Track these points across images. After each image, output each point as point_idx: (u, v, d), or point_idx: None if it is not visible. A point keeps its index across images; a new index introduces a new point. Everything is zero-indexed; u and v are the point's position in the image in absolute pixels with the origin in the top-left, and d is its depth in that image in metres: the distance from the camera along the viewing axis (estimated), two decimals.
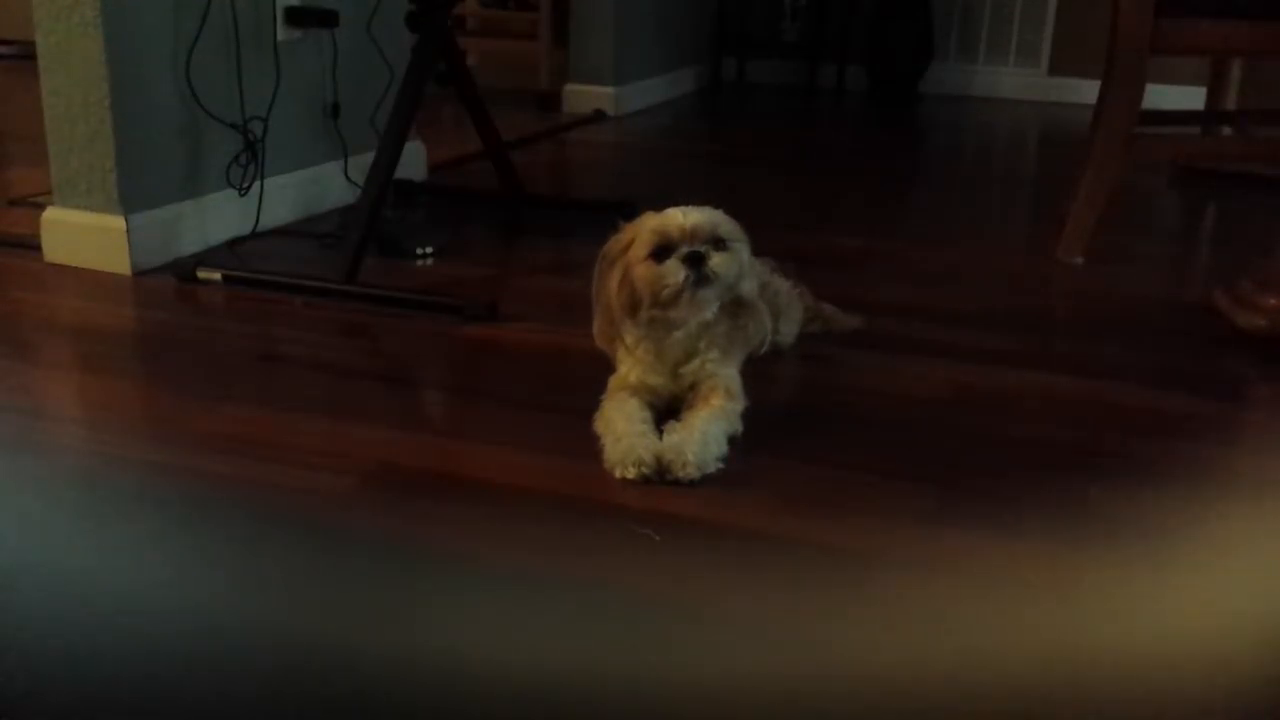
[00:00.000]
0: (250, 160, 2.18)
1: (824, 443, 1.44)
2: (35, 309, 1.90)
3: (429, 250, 2.16)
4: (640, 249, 1.36)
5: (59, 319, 1.87)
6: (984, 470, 1.38)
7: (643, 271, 1.36)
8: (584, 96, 3.88)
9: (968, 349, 1.76)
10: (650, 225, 1.36)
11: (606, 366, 1.47)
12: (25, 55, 3.35)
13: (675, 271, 1.34)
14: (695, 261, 1.34)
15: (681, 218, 1.35)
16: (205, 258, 2.05)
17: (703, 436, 1.32)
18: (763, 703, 0.95)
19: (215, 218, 2.16)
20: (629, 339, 1.42)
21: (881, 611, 1.10)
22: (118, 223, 1.99)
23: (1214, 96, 3.03)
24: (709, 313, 1.40)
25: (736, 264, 1.38)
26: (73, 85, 1.94)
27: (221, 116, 2.12)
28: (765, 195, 2.89)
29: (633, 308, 1.38)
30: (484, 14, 4.65)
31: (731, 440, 1.36)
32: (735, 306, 1.43)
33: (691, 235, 1.35)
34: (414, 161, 2.68)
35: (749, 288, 1.42)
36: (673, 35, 4.31)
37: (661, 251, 1.35)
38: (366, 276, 1.94)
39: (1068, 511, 1.28)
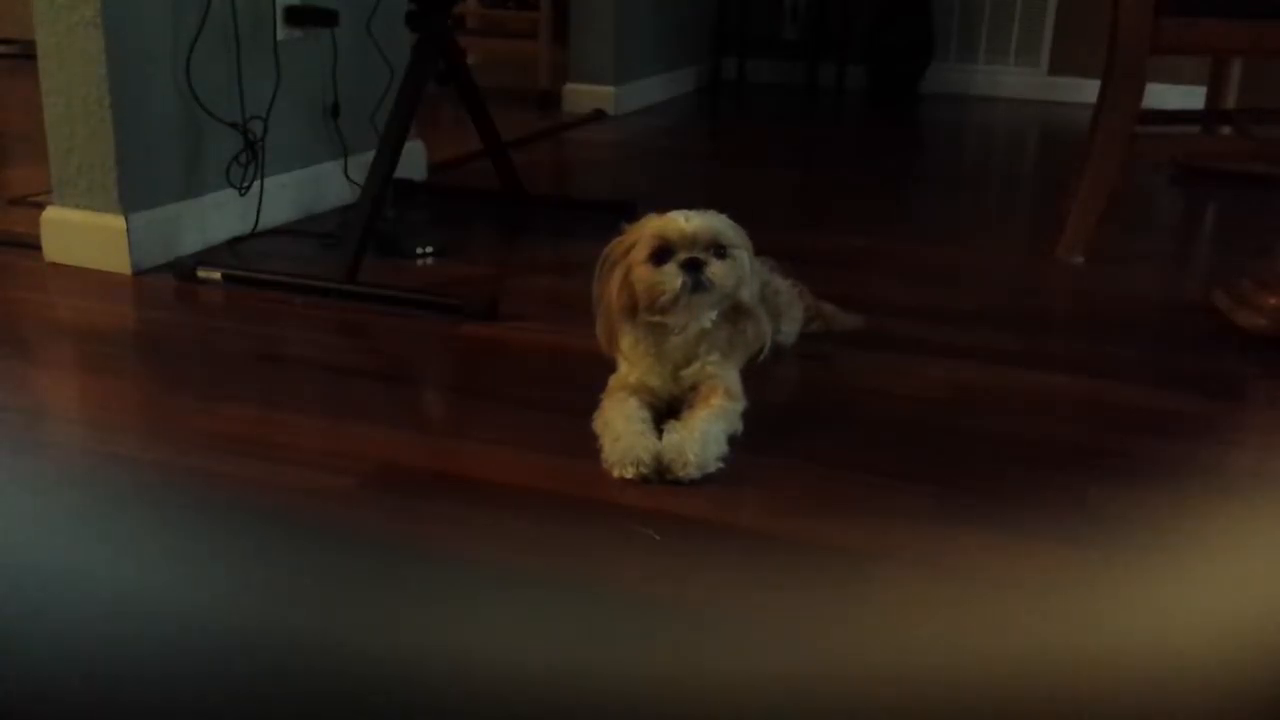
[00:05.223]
0: (250, 160, 2.18)
1: (824, 443, 1.44)
2: (35, 309, 1.90)
3: (429, 250, 2.16)
4: (641, 252, 1.36)
5: (59, 319, 1.87)
6: (984, 470, 1.38)
7: (642, 275, 1.36)
8: (584, 96, 3.88)
9: (967, 349, 1.76)
10: (652, 228, 1.36)
11: (606, 366, 1.47)
12: (25, 55, 3.35)
13: (673, 276, 1.34)
14: (693, 268, 1.33)
15: (683, 222, 1.35)
16: (205, 257, 2.05)
17: (703, 436, 1.31)
18: (763, 703, 0.95)
19: (215, 217, 2.16)
20: (625, 342, 1.42)
21: (881, 611, 1.10)
22: (118, 222, 1.99)
23: (1214, 96, 3.03)
24: (706, 320, 1.40)
25: (736, 271, 1.37)
26: (73, 85, 1.94)
27: (221, 116, 2.12)
28: (765, 195, 2.89)
29: (631, 310, 1.38)
30: (484, 13, 4.65)
31: (732, 440, 1.36)
32: (735, 313, 1.42)
33: (692, 241, 1.35)
34: (414, 161, 2.68)
35: (749, 294, 1.41)
36: (673, 35, 4.31)
37: (661, 255, 1.35)
38: (366, 276, 1.94)
39: (1068, 511, 1.28)
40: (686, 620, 1.06)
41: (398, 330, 1.82)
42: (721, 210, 1.41)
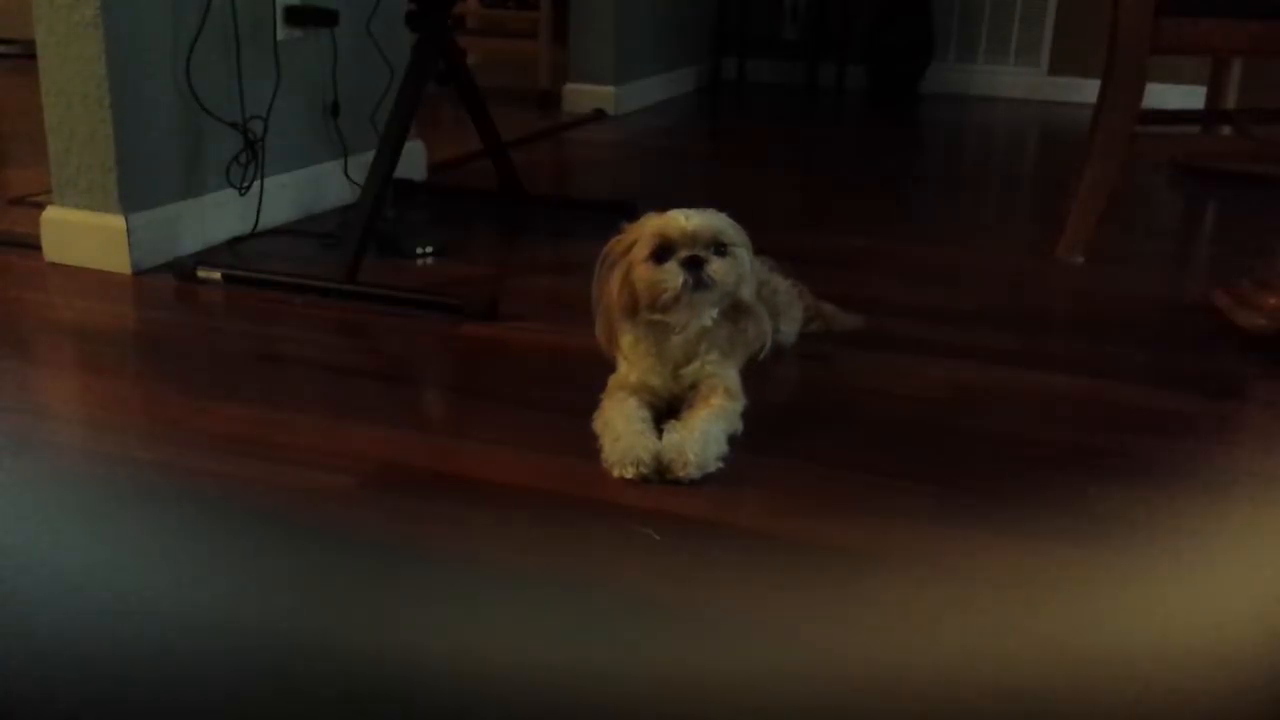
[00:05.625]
0: (250, 159, 2.18)
1: (824, 443, 1.44)
2: (35, 309, 1.90)
3: (429, 250, 2.16)
4: (641, 250, 1.36)
5: (59, 319, 1.87)
6: (984, 470, 1.38)
7: (642, 273, 1.36)
8: (584, 96, 3.88)
9: (967, 348, 1.76)
10: (652, 227, 1.36)
11: (606, 366, 1.47)
12: (25, 55, 3.35)
13: (674, 275, 1.34)
14: (694, 266, 1.33)
15: (683, 220, 1.35)
16: (205, 257, 2.05)
17: (703, 436, 1.31)
18: (763, 703, 0.95)
19: (215, 217, 2.16)
20: (625, 341, 1.42)
21: (881, 611, 1.10)
22: (118, 222, 1.99)
23: (1214, 96, 3.04)
24: (707, 318, 1.40)
25: (736, 269, 1.37)
26: (73, 85, 1.94)
27: (221, 116, 2.12)
28: (765, 195, 2.89)
29: (632, 309, 1.38)
30: (484, 13, 4.65)
31: (732, 439, 1.36)
32: (735, 311, 1.42)
33: (692, 239, 1.35)
34: (414, 161, 2.68)
35: (749, 292, 1.41)
36: (673, 35, 4.31)
37: (662, 254, 1.35)
38: (366, 276, 1.94)
39: (1067, 511, 1.28)
40: (686, 620, 1.06)
41: (398, 330, 1.82)
42: (721, 210, 1.41)
